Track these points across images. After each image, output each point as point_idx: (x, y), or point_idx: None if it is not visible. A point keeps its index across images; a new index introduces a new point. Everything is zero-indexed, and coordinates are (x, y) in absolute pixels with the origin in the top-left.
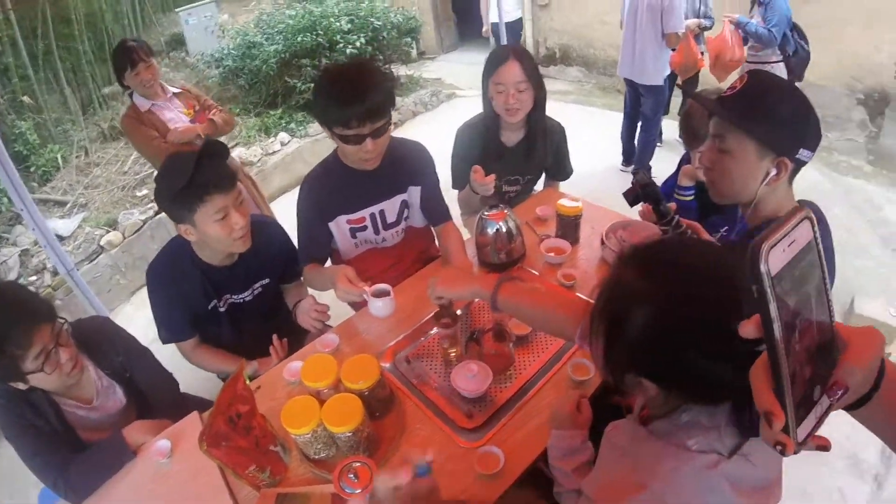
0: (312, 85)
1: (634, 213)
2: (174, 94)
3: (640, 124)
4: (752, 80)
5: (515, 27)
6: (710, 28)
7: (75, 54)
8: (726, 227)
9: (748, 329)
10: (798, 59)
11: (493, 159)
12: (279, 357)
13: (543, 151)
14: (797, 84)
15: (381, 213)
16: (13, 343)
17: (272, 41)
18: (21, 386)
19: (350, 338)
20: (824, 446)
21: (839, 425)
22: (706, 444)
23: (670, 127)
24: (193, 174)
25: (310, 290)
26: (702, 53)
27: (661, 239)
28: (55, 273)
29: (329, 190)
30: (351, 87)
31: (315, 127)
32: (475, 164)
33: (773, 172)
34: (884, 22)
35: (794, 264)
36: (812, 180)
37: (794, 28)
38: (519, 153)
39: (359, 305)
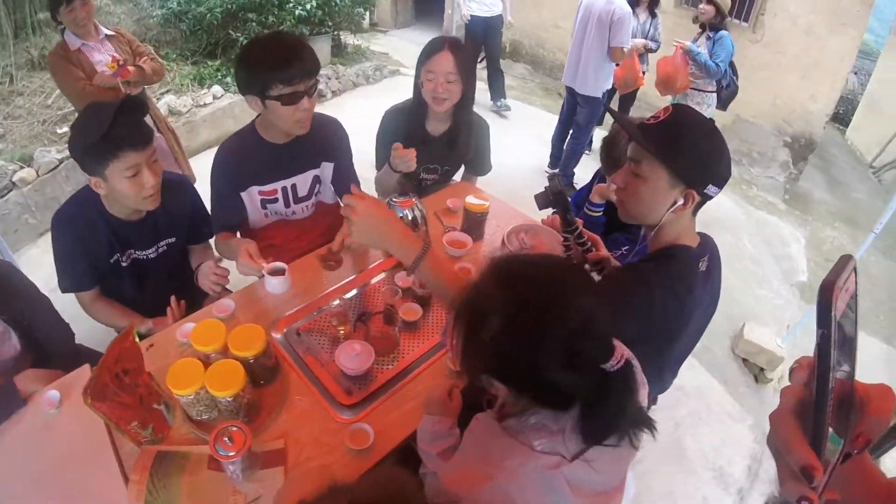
0: (239, 53)
1: (544, 216)
2: (107, 35)
3: (571, 131)
4: (676, 114)
5: (495, 23)
6: (656, 51)
7: None
8: (627, 247)
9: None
10: (728, 93)
11: (416, 146)
12: (175, 318)
13: (466, 145)
14: (722, 112)
15: (293, 186)
16: None
17: None
18: None
19: (246, 304)
20: (834, 500)
21: (707, 438)
22: (550, 446)
23: (601, 137)
24: (109, 129)
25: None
26: (643, 73)
27: (520, 254)
28: None
29: (243, 161)
30: (288, 47)
31: None
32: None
33: (681, 202)
34: (823, 74)
35: (847, 313)
36: (728, 210)
37: (731, 64)
38: (442, 143)
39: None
